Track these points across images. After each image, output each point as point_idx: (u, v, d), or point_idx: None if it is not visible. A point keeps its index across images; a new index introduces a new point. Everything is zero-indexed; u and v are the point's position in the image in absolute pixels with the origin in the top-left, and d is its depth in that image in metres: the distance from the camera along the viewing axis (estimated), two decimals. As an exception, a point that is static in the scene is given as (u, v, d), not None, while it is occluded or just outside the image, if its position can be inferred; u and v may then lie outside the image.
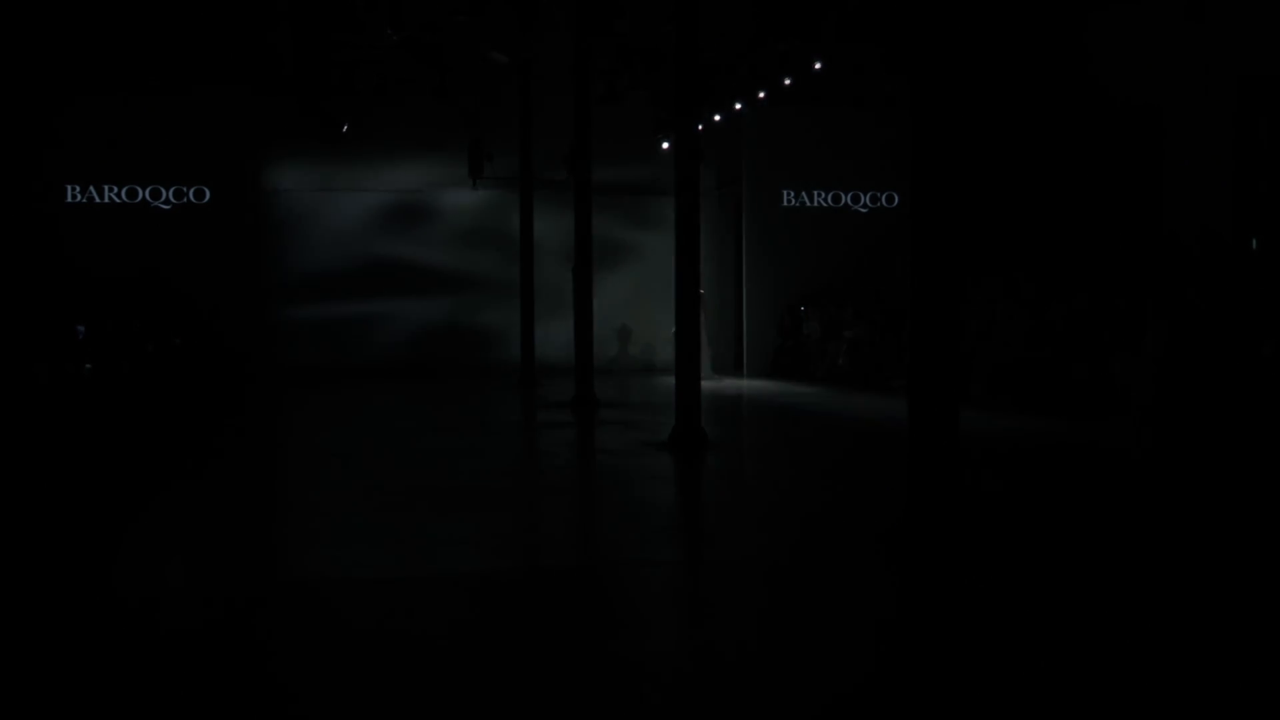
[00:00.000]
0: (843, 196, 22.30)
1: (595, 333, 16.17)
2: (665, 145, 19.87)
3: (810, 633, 5.43)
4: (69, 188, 20.35)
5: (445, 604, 5.95)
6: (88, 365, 18.39)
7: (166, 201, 20.68)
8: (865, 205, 22.32)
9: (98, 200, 20.46)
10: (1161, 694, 4.59)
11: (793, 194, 22.18)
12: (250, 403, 17.91)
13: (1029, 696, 4.56)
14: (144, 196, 20.61)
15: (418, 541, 7.38)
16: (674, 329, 12.21)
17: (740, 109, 20.87)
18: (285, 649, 5.22)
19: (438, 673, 4.87)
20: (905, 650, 5.18)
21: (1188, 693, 4.60)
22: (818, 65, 18.87)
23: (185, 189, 20.75)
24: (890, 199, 22.20)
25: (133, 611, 5.78)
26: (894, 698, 4.59)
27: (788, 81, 19.31)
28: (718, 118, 20.86)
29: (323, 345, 22.01)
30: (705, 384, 12.38)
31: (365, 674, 4.77)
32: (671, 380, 12.19)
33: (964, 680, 4.75)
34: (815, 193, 22.25)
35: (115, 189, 20.50)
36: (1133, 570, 6.55)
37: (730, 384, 20.04)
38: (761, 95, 20.07)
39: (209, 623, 5.63)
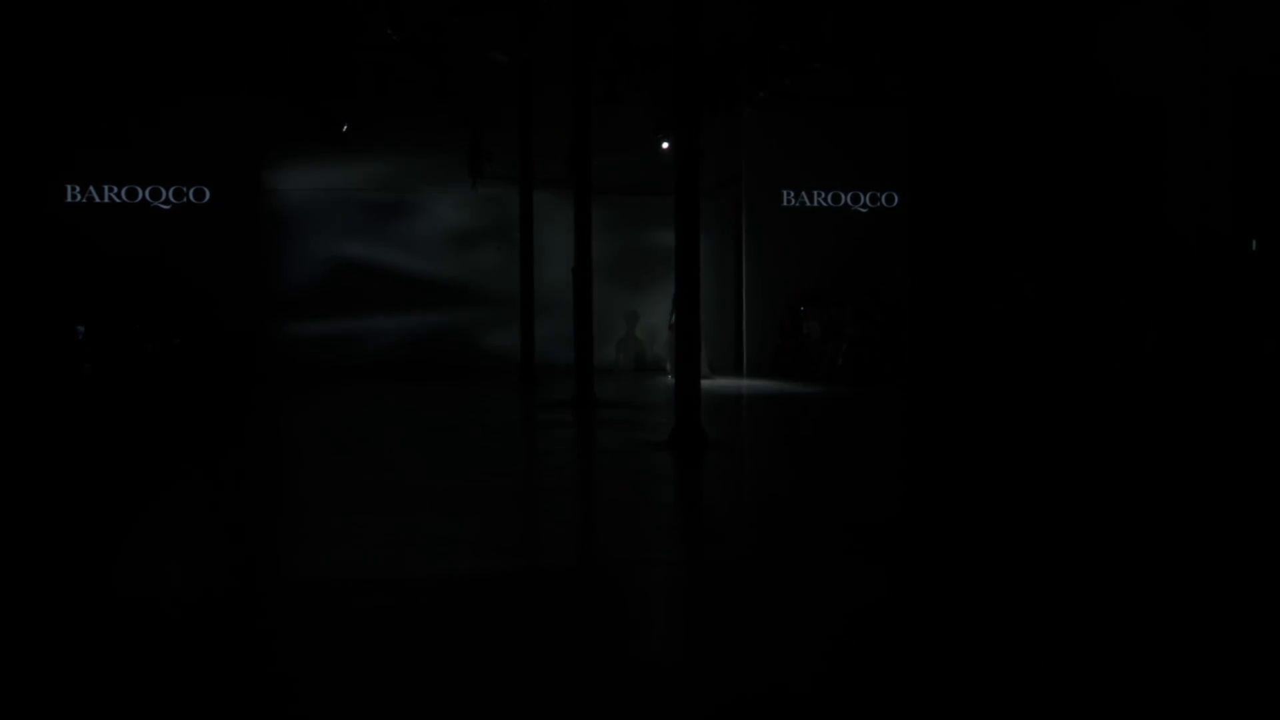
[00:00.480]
0: (842, 196, 22.30)
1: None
2: (665, 145, 19.86)
3: (808, 631, 5.43)
4: (69, 188, 20.36)
5: (444, 604, 5.95)
6: (87, 365, 18.39)
7: (166, 201, 20.69)
8: (865, 205, 22.31)
9: (97, 200, 20.47)
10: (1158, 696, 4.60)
11: (792, 194, 22.17)
12: (250, 403, 17.90)
13: (1006, 688, 4.57)
14: (144, 196, 20.62)
15: (417, 541, 7.38)
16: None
17: (740, 109, 20.85)
18: (284, 650, 5.22)
19: (436, 673, 4.86)
20: (903, 649, 5.18)
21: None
22: (818, 65, 18.86)
23: (185, 189, 20.76)
24: (890, 199, 22.20)
25: (130, 612, 5.78)
26: (885, 695, 4.59)
27: (788, 81, 19.29)
28: (718, 118, 20.84)
29: (322, 345, 22.01)
30: (703, 383, 12.38)
31: (365, 673, 4.77)
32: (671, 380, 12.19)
33: (954, 677, 4.76)
34: (815, 192, 22.25)
35: (115, 189, 20.51)
36: (1125, 572, 6.55)
37: (730, 384, 20.04)
38: (761, 95, 20.06)
39: (210, 622, 5.63)
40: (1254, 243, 13.85)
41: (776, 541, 7.54)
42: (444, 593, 6.14)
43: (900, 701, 4.52)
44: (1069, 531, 7.55)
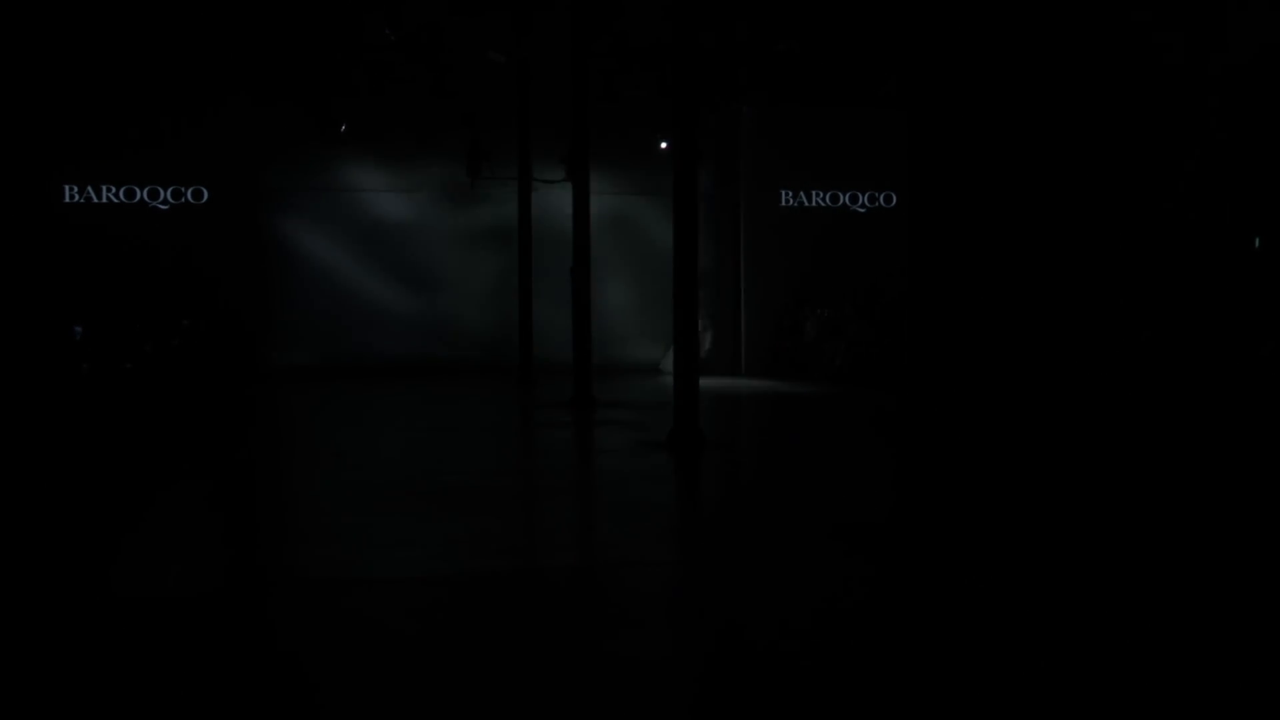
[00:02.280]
0: (841, 196, 22.30)
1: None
2: (664, 145, 19.86)
3: (806, 631, 5.42)
4: (67, 188, 20.35)
5: (444, 604, 5.93)
6: (85, 365, 18.38)
7: (164, 202, 20.67)
8: (864, 205, 22.31)
9: (96, 200, 20.45)
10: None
11: (791, 194, 22.17)
12: (248, 403, 17.88)
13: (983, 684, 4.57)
14: (142, 196, 20.60)
15: (416, 541, 7.36)
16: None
17: (739, 109, 20.84)
18: (282, 649, 5.21)
19: (436, 673, 4.85)
20: (901, 652, 5.17)
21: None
22: (817, 65, 18.86)
23: (183, 189, 20.74)
24: (889, 199, 22.19)
25: (128, 612, 5.77)
26: (881, 699, 4.58)
27: (787, 82, 19.31)
28: (717, 118, 20.84)
29: (321, 346, 21.98)
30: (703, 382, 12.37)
31: (364, 673, 4.76)
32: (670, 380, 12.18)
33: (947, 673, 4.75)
34: (814, 192, 22.25)
35: (113, 189, 20.49)
36: (1121, 574, 6.54)
37: (728, 383, 20.03)
38: (760, 95, 20.07)
39: (209, 622, 5.61)
40: (1257, 240, 13.82)
41: (773, 542, 7.52)
42: (445, 592, 6.13)
43: (889, 693, 4.52)
44: (1065, 533, 7.54)
